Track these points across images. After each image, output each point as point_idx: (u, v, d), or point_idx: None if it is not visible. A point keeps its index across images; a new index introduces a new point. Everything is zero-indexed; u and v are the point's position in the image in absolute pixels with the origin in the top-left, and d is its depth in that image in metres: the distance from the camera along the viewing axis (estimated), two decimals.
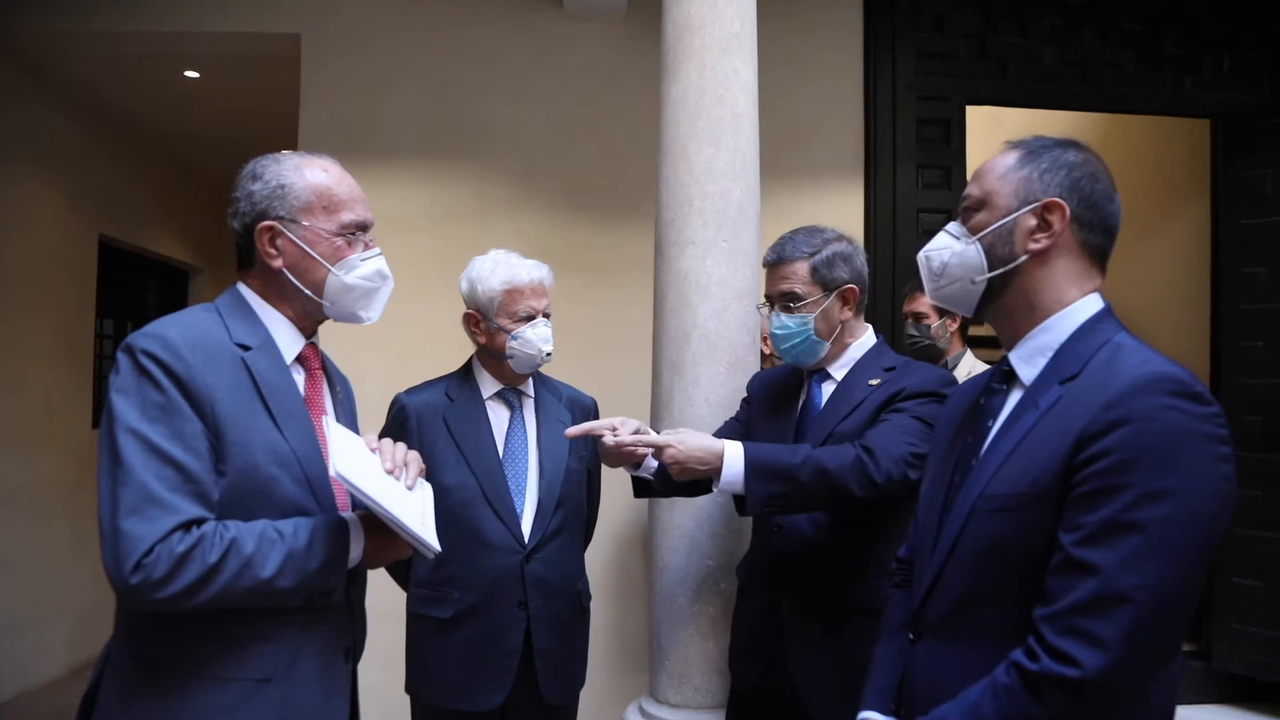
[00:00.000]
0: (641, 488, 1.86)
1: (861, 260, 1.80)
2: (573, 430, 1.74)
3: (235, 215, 1.32)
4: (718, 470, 1.59)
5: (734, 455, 1.58)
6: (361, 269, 1.32)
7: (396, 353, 3.04)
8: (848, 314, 1.77)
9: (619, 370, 3.02)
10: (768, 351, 2.74)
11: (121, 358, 1.18)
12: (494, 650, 1.87)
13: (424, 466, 1.35)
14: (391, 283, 1.38)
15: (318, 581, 1.21)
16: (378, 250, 1.36)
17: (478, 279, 1.97)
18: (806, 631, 1.71)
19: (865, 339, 1.82)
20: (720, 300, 2.06)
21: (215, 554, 1.13)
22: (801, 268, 1.75)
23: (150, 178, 5.21)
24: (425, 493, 1.33)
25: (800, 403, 1.83)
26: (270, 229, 1.29)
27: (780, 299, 1.76)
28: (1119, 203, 1.16)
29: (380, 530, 1.30)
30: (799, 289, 1.74)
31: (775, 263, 1.78)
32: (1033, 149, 1.17)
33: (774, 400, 1.88)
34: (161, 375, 1.15)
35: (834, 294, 1.74)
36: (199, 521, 1.14)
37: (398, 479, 1.27)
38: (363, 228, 1.34)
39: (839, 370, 1.80)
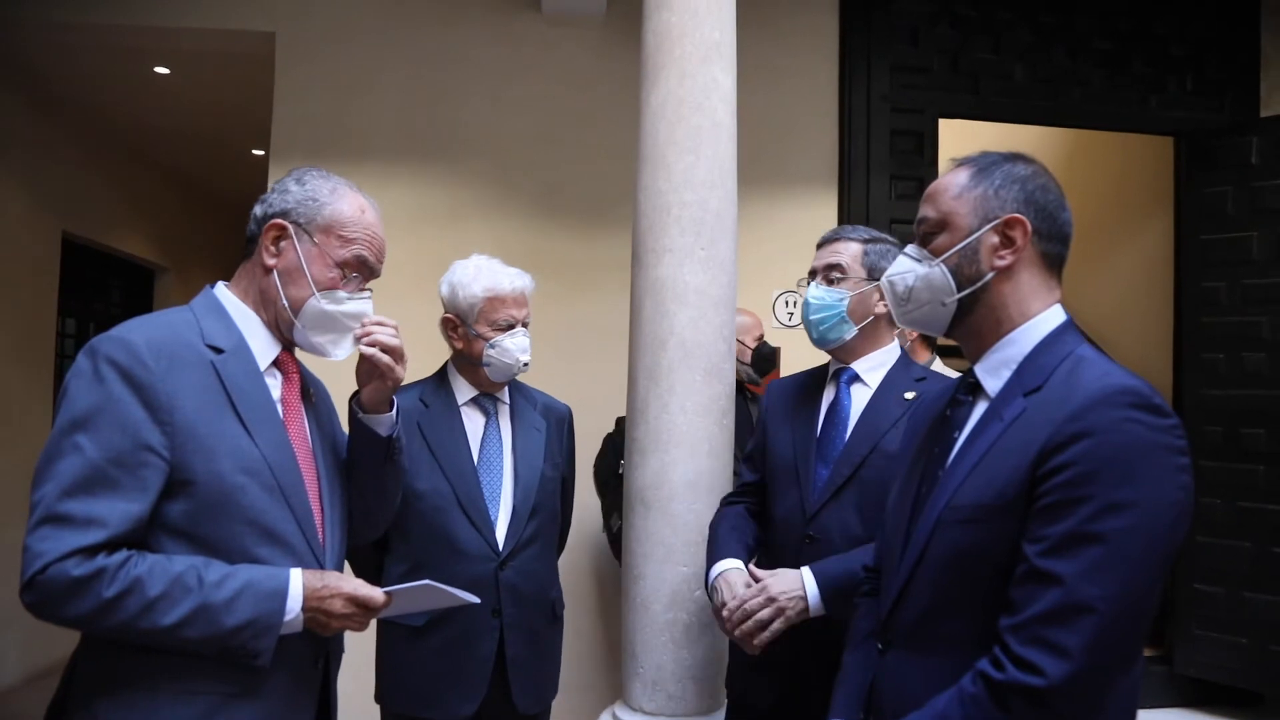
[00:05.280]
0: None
1: None
2: None
3: (262, 202, 1.32)
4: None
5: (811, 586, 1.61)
6: (345, 306, 1.31)
7: None
8: (882, 309, 1.78)
9: (595, 376, 3.02)
10: (746, 362, 2.76)
11: (82, 360, 1.14)
12: (466, 659, 1.85)
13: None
14: None
15: (234, 640, 1.14)
16: (368, 295, 1.35)
17: (459, 284, 1.93)
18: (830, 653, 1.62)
19: (893, 348, 1.84)
20: (697, 308, 2.06)
21: (112, 589, 1.08)
22: (853, 247, 1.81)
23: (117, 175, 5.09)
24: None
25: (826, 402, 1.81)
26: (281, 228, 1.29)
27: (824, 271, 1.81)
28: (1070, 210, 1.18)
29: (332, 599, 1.22)
30: (845, 262, 1.79)
31: (829, 240, 1.84)
32: (983, 165, 1.18)
33: (794, 402, 1.86)
34: (119, 384, 1.12)
35: (876, 283, 1.77)
36: (110, 546, 1.09)
37: None
38: (365, 271, 1.35)
39: (870, 374, 1.80)
